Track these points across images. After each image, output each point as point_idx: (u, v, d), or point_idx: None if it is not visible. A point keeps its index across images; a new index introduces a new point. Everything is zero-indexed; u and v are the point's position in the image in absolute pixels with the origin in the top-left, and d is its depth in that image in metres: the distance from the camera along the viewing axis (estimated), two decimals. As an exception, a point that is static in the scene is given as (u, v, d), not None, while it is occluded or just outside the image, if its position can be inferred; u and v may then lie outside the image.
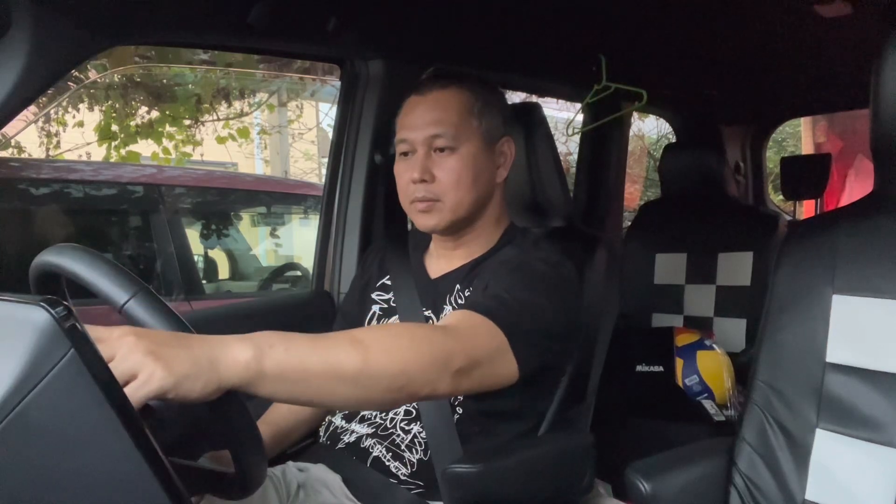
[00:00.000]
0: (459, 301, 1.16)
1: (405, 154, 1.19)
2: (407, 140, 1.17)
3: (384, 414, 1.14)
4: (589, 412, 1.31)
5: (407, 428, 1.12)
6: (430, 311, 1.20)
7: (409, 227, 1.65)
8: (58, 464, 0.65)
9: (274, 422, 1.25)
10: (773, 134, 3.56)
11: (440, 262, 1.25)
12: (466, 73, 1.25)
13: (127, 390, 0.64)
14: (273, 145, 7.85)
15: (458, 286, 1.18)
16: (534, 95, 2.60)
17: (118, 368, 0.64)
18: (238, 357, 0.70)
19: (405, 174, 1.17)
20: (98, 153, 4.93)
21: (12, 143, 4.78)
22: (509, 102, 1.33)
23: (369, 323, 1.27)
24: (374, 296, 1.28)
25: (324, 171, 2.53)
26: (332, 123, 1.75)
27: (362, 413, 1.16)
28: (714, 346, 2.00)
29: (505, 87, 2.13)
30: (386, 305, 1.26)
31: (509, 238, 1.23)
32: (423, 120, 1.16)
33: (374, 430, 1.13)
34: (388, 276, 1.28)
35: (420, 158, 1.15)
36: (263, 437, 1.19)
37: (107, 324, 0.69)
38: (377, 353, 0.80)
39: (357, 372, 0.78)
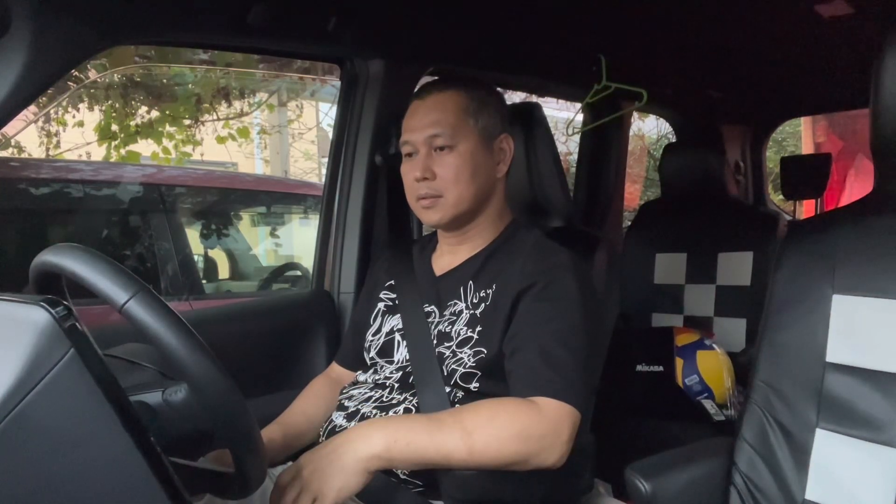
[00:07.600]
0: (475, 301, 1.19)
1: (409, 155, 1.25)
2: (409, 142, 1.24)
3: (384, 414, 1.15)
4: (589, 412, 1.31)
5: (407, 427, 1.12)
6: (433, 307, 1.24)
7: (415, 235, 1.67)
8: (58, 464, 0.65)
9: (287, 423, 1.27)
10: (773, 134, 3.56)
11: (445, 258, 1.29)
12: (465, 75, 1.31)
13: None
14: (273, 145, 7.83)
15: (471, 283, 1.21)
16: (534, 95, 2.60)
17: (303, 501, 0.93)
18: (372, 452, 0.96)
19: (409, 174, 1.24)
20: (98, 153, 4.92)
21: (12, 143, 4.78)
22: (509, 102, 1.36)
23: (374, 320, 1.32)
24: (381, 295, 1.35)
25: (324, 171, 2.53)
26: (332, 123, 1.75)
27: (363, 412, 1.16)
28: (714, 346, 2.00)
29: (505, 87, 2.14)
30: (390, 303, 1.31)
31: (513, 231, 1.27)
32: (422, 122, 1.22)
33: (373, 429, 1.13)
34: (393, 279, 1.34)
35: (422, 158, 1.22)
36: (276, 438, 1.20)
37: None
38: (481, 445, 0.98)
39: (463, 460, 0.98)
